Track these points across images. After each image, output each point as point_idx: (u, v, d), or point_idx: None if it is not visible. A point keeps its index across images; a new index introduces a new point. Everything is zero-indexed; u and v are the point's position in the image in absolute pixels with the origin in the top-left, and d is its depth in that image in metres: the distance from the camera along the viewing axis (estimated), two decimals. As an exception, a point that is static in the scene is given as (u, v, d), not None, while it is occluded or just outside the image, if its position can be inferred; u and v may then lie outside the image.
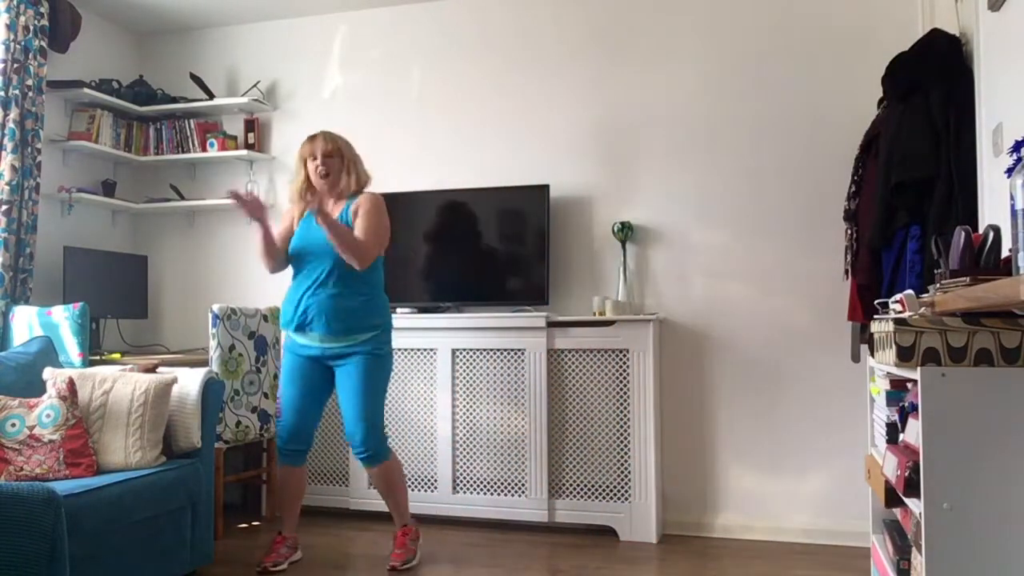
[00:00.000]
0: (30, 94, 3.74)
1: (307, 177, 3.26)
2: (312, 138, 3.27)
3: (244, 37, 4.60)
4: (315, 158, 3.23)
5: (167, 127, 4.53)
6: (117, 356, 3.87)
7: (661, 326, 3.81)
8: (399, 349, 3.93)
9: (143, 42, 4.76)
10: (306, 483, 3.41)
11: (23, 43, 3.73)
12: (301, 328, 3.16)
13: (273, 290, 4.42)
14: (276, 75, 4.53)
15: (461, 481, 3.84)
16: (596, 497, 3.66)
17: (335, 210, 3.23)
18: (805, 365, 3.66)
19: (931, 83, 2.73)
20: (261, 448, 4.11)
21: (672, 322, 3.84)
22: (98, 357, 3.78)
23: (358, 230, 3.15)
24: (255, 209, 3.13)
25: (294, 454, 3.22)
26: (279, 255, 3.26)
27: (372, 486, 3.82)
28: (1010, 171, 1.93)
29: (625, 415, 3.64)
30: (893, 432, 2.11)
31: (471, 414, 3.84)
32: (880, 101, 3.12)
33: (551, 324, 3.72)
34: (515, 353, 3.78)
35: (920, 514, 1.73)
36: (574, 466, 3.70)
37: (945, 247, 1.94)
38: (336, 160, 3.25)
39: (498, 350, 3.80)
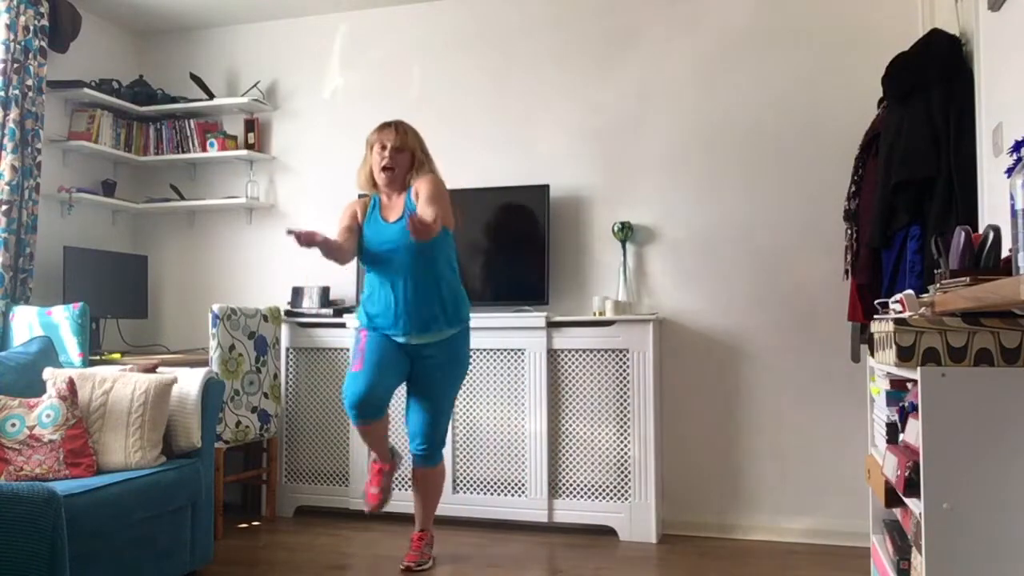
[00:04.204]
0: (30, 94, 3.74)
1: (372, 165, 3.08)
2: (384, 126, 3.08)
3: (244, 37, 4.60)
4: (383, 148, 3.03)
5: (167, 127, 4.52)
6: (117, 356, 3.87)
7: (661, 326, 3.81)
8: (399, 349, 3.93)
9: (143, 42, 4.76)
10: (388, 425, 3.17)
11: (23, 43, 3.73)
12: (388, 329, 3.04)
13: (273, 290, 4.42)
14: (276, 75, 4.53)
15: (461, 481, 3.84)
16: (596, 497, 3.66)
17: (397, 205, 3.07)
18: (805, 365, 3.65)
19: (931, 83, 2.73)
20: (261, 448, 4.11)
21: (672, 322, 3.84)
22: (98, 357, 3.78)
23: (420, 202, 2.97)
24: (310, 241, 2.90)
25: (373, 408, 2.98)
26: (346, 252, 3.08)
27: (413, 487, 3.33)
28: (1010, 171, 1.93)
29: (625, 415, 3.64)
30: (893, 432, 2.11)
31: (471, 414, 3.84)
32: (880, 101, 3.12)
33: (551, 324, 3.72)
34: (515, 353, 3.78)
35: (920, 514, 1.73)
36: (574, 466, 3.70)
37: (945, 247, 1.94)
38: (405, 156, 3.05)
39: (498, 350, 3.80)
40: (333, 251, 3.00)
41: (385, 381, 3.01)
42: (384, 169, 3.03)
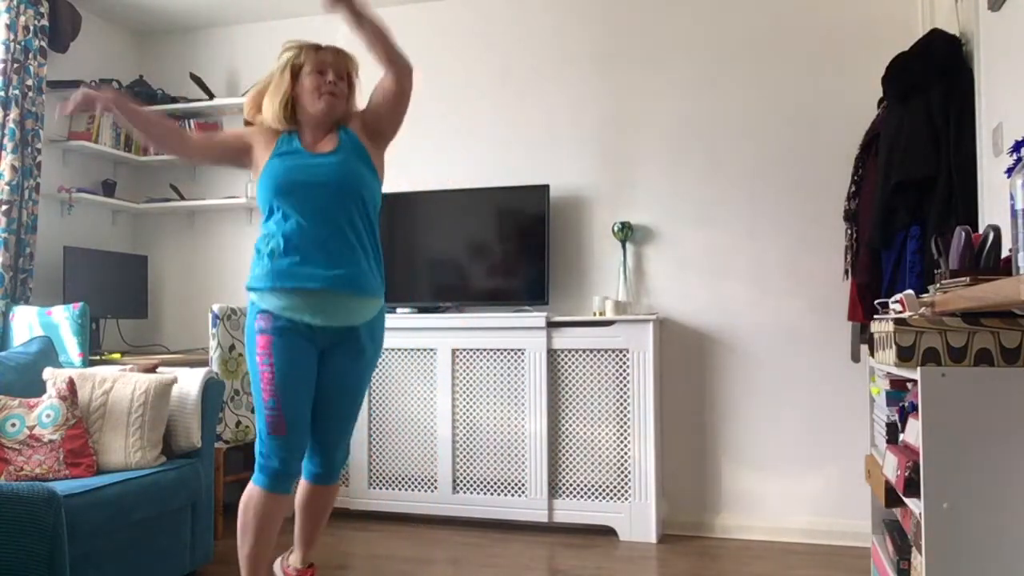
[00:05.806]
0: (30, 94, 3.74)
1: (291, 92, 2.40)
2: (320, 48, 2.45)
3: (244, 37, 4.59)
4: (323, 74, 2.39)
5: (167, 127, 4.52)
6: (117, 356, 3.87)
7: (661, 326, 3.81)
8: (399, 349, 3.93)
9: (143, 42, 4.76)
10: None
11: (23, 43, 3.73)
12: (312, 298, 2.27)
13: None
14: (276, 75, 4.53)
15: (461, 481, 3.84)
16: (596, 497, 3.66)
17: (330, 140, 2.41)
18: (805, 365, 3.65)
19: (931, 83, 2.73)
20: (261, 448, 4.11)
21: (672, 322, 3.84)
22: (98, 357, 3.78)
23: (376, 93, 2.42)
24: (90, 104, 2.33)
25: (291, 478, 2.34)
26: (197, 145, 2.52)
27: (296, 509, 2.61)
28: (1010, 171, 1.93)
29: (625, 415, 3.64)
30: (893, 432, 2.11)
31: (471, 414, 3.84)
32: (880, 101, 3.12)
33: (551, 324, 3.72)
34: (515, 353, 3.78)
35: (920, 514, 1.73)
36: (574, 466, 3.70)
37: (945, 247, 1.94)
38: (347, 85, 2.46)
39: (498, 350, 3.80)
40: (150, 125, 2.41)
41: (308, 432, 2.40)
42: (330, 96, 2.39)
